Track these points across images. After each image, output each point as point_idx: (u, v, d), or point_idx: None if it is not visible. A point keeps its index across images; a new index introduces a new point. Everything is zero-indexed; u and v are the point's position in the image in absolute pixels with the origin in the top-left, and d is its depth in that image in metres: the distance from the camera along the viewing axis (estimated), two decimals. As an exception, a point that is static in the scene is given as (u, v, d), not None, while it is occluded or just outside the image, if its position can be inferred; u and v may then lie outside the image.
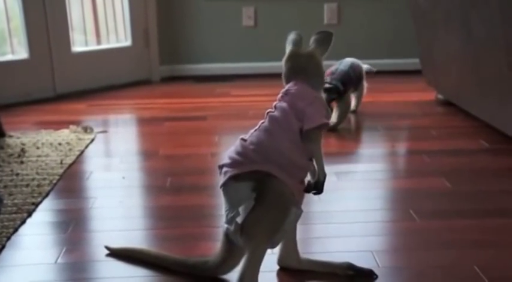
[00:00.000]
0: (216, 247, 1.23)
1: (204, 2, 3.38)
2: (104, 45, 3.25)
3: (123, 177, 1.83)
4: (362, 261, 1.27)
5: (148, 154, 2.07)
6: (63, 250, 1.36)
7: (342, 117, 2.28)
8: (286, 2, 3.40)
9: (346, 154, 2.10)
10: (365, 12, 3.40)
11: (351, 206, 1.60)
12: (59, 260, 1.32)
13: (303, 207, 1.21)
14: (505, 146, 2.02)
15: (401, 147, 2.19)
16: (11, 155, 2.03)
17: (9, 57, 2.90)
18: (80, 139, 2.21)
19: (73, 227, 1.48)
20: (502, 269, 1.26)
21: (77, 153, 2.05)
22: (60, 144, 2.15)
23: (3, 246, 1.37)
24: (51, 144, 2.15)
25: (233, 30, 3.42)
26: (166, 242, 1.40)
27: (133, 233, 1.46)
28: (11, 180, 1.79)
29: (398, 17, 3.35)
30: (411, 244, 1.38)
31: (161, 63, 3.41)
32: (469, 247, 1.34)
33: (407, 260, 1.31)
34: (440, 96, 2.71)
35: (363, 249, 1.34)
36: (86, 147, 2.13)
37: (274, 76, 3.24)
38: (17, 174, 1.84)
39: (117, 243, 1.36)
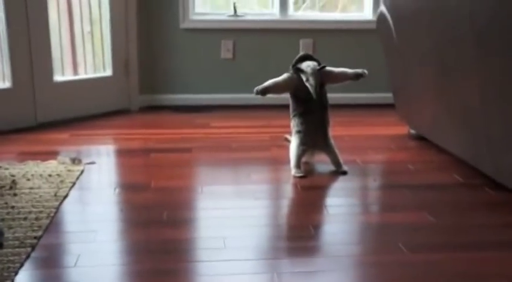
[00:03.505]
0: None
1: (184, 34, 3.48)
2: (86, 75, 3.29)
3: (121, 210, 1.88)
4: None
5: (140, 187, 2.12)
6: (74, 284, 1.40)
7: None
8: (264, 37, 3.54)
9: (331, 188, 2.20)
10: (339, 47, 3.57)
11: (339, 239, 1.71)
12: (72, 295, 1.36)
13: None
14: (477, 180, 2.17)
15: (381, 182, 2.31)
16: (3, 186, 2.05)
17: (-9, 86, 2.92)
18: (69, 171, 2.24)
19: (79, 262, 1.52)
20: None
21: (69, 185, 2.09)
22: (50, 175, 2.18)
23: None
24: (41, 175, 2.18)
25: (212, 62, 3.53)
26: (168, 277, 1.46)
27: (137, 267, 1.52)
28: (8, 213, 1.81)
29: (371, 52, 3.53)
30: (404, 277, 1.49)
31: (140, 93, 3.48)
32: (459, 279, 1.46)
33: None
34: (413, 131, 2.86)
35: (360, 282, 1.45)
36: (77, 178, 2.17)
37: (252, 107, 3.44)
38: (13, 207, 1.86)
39: (122, 278, 1.41)
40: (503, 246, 1.64)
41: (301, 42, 3.55)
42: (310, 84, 2.22)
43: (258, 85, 2.28)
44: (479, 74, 1.95)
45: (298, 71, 2.24)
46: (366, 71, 2.35)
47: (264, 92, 2.25)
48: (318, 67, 2.27)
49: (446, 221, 1.82)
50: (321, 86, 2.27)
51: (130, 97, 3.42)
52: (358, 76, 2.35)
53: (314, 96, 2.21)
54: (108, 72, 3.33)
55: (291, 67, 2.29)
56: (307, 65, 2.26)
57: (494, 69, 1.87)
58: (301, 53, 2.39)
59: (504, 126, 1.90)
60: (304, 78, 2.23)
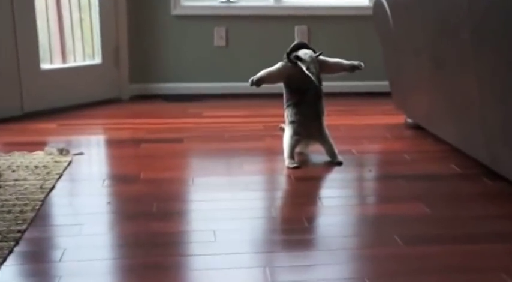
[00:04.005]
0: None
1: (176, 21, 3.43)
2: (74, 63, 3.25)
3: (108, 203, 1.85)
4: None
5: (130, 178, 2.09)
6: (59, 279, 1.38)
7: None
8: (257, 24, 3.50)
9: (325, 179, 2.18)
10: (334, 33, 3.53)
11: (333, 232, 1.68)
12: (56, 291, 1.33)
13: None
14: (475, 170, 2.15)
15: (377, 172, 2.29)
16: (-13, 178, 2.01)
17: (-26, 74, 2.87)
18: (56, 162, 2.21)
19: (65, 256, 1.49)
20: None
21: (56, 176, 2.05)
22: (36, 167, 2.15)
23: (-4, 277, 1.38)
24: (26, 167, 2.14)
25: (205, 49, 3.49)
26: (158, 271, 1.44)
27: (126, 262, 1.49)
28: (-8, 206, 1.78)
29: (368, 39, 3.49)
30: (400, 270, 1.47)
31: (131, 82, 3.44)
32: (457, 272, 1.45)
33: (397, 285, 1.40)
34: (409, 120, 2.84)
35: (355, 276, 1.42)
36: (64, 170, 2.13)
37: (246, 96, 3.41)
38: (-3, 200, 1.83)
39: (110, 272, 1.39)
40: (501, 238, 1.62)
41: (296, 29, 3.51)
42: (312, 72, 2.18)
43: (252, 73, 2.24)
44: (476, 65, 1.93)
45: (297, 59, 2.19)
46: (362, 64, 2.31)
47: (259, 82, 2.21)
48: (316, 54, 2.24)
49: (443, 213, 1.81)
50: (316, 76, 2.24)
51: (120, 86, 3.39)
52: (353, 68, 2.32)
53: (316, 83, 2.18)
54: (98, 60, 3.29)
55: (285, 55, 2.25)
56: (305, 53, 2.22)
57: (491, 60, 1.84)
58: (296, 41, 2.35)
59: (501, 115, 1.87)
60: (303, 67, 2.18)
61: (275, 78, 2.26)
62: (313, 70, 2.19)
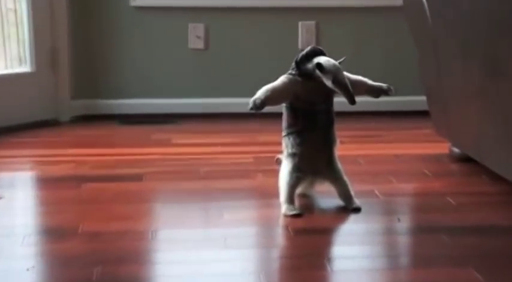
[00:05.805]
0: None
1: (137, 14, 3.47)
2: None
3: (28, 269, 1.80)
4: None
5: (63, 232, 2.06)
6: None
7: None
8: (248, 19, 3.53)
9: (337, 232, 2.17)
10: (351, 31, 3.56)
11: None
12: None
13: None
14: (547, 221, 2.13)
15: (410, 222, 2.27)
16: None
17: None
18: (-37, 209, 2.18)
19: None
20: None
21: (-39, 230, 2.02)
22: None
23: None
24: None
25: (176, 53, 3.52)
26: None
27: None
28: None
29: (396, 38, 3.51)
30: None
31: (73, 98, 3.43)
32: None
33: None
34: (455, 150, 2.83)
35: None
36: (-27, 221, 2.11)
37: (231, 117, 3.39)
38: None
39: None
40: None
41: (301, 25, 3.52)
42: (343, 85, 2.14)
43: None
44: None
45: (319, 68, 2.15)
46: (392, 88, 2.30)
47: (263, 105, 2.17)
48: (339, 62, 2.20)
49: (501, 281, 1.76)
50: (329, 95, 2.22)
51: (58, 103, 3.42)
52: (380, 92, 2.30)
53: (352, 101, 2.15)
54: (28, 67, 3.31)
55: (293, 66, 2.21)
56: (327, 60, 2.17)
57: None
58: (310, 46, 2.30)
59: None
60: (327, 80, 2.14)
61: (281, 97, 2.22)
62: (344, 81, 2.15)
